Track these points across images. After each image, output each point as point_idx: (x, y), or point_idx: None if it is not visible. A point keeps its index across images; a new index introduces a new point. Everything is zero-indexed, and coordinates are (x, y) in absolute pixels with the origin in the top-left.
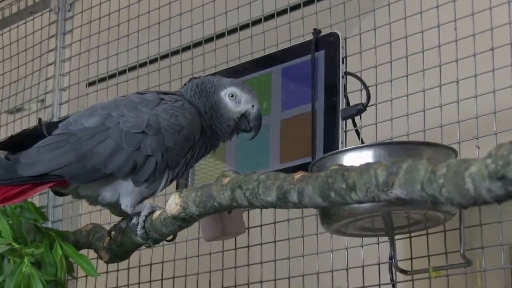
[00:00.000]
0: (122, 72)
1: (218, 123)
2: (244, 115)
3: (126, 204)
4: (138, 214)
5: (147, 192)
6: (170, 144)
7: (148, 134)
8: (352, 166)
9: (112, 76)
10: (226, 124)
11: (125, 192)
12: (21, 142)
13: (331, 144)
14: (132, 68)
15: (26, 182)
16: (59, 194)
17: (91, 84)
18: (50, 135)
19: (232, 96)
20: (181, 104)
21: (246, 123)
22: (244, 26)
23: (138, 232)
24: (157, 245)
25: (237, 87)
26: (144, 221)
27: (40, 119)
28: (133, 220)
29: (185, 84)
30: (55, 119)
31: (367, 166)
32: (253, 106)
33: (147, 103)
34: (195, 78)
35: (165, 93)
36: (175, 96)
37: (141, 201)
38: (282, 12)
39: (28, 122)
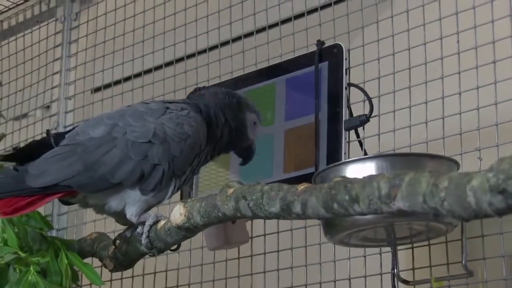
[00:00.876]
0: (127, 79)
1: (236, 140)
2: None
3: (131, 213)
4: (143, 223)
5: (153, 201)
6: (176, 152)
7: (155, 143)
8: (355, 178)
9: (118, 82)
10: (237, 144)
11: (132, 201)
12: (29, 153)
13: (334, 155)
14: (137, 75)
15: (35, 193)
16: (66, 203)
17: (96, 90)
18: (57, 146)
19: (255, 123)
20: (187, 113)
21: (246, 151)
22: (248, 35)
23: (142, 241)
24: (161, 253)
25: (258, 116)
26: (148, 231)
27: (48, 130)
28: (138, 230)
29: (193, 91)
30: (61, 128)
31: (370, 178)
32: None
33: (152, 112)
34: (200, 88)
35: (170, 102)
36: (181, 105)
37: (147, 209)
38: (286, 21)
39: (33, 130)
